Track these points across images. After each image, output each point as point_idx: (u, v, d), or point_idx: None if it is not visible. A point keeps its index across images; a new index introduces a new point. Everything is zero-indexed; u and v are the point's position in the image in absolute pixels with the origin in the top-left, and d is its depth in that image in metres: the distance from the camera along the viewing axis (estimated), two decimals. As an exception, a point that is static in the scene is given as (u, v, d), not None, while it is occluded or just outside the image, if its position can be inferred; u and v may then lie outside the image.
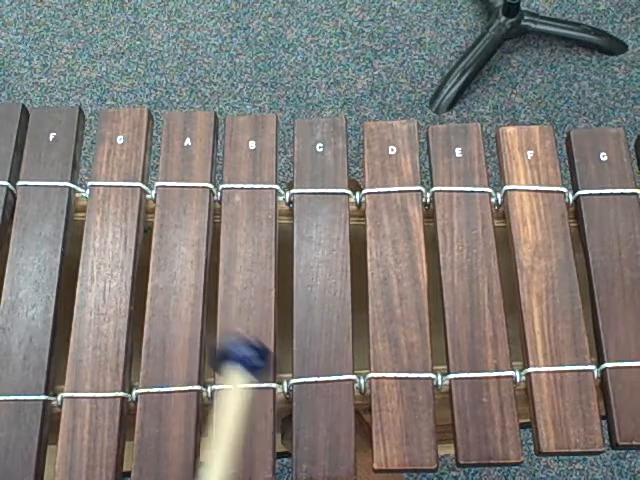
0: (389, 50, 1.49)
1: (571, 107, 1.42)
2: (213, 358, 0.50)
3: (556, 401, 0.56)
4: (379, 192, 0.64)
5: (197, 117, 0.68)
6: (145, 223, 0.65)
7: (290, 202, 0.65)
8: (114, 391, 0.57)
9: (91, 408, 0.56)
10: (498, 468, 1.16)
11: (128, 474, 0.56)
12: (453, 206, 0.63)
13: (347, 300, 0.60)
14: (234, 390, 0.48)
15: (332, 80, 1.47)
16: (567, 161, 0.67)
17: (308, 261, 0.61)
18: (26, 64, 1.50)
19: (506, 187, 0.64)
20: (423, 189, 0.64)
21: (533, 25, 1.45)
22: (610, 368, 0.57)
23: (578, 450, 0.55)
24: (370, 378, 0.57)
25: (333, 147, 0.66)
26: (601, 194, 0.64)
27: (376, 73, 1.47)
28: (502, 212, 0.65)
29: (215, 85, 1.47)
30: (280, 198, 0.65)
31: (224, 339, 0.57)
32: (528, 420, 0.57)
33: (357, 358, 0.58)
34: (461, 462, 0.55)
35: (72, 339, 0.59)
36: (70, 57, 1.51)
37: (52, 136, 0.66)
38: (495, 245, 0.62)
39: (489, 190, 0.64)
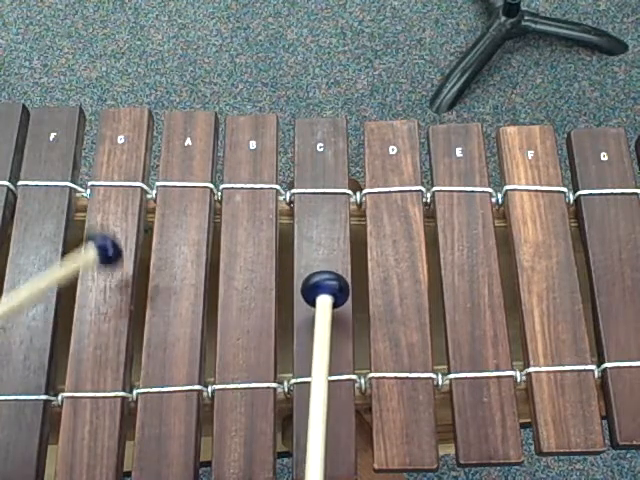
0: (389, 50, 1.49)
1: (571, 107, 1.42)
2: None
3: (556, 401, 0.56)
4: (379, 192, 0.64)
5: (197, 117, 0.68)
6: (145, 223, 0.65)
7: (290, 202, 0.65)
8: (114, 391, 0.57)
9: (92, 408, 0.56)
10: (498, 468, 1.16)
11: (129, 474, 0.56)
12: (454, 206, 0.63)
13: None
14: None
15: (332, 80, 1.47)
16: (567, 161, 0.67)
17: (308, 261, 0.61)
18: (26, 64, 1.50)
19: (506, 187, 0.64)
20: (424, 189, 0.64)
21: (533, 25, 1.45)
22: (610, 368, 0.57)
23: (579, 450, 0.55)
24: (370, 378, 0.57)
25: (333, 147, 0.66)
26: (601, 194, 0.64)
27: (376, 73, 1.47)
28: (502, 212, 0.65)
29: (215, 85, 1.47)
30: (280, 198, 0.65)
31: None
32: (528, 420, 0.57)
33: (357, 358, 0.58)
34: (462, 462, 0.55)
35: (72, 339, 0.59)
36: (70, 57, 1.51)
37: (53, 136, 0.66)
38: (495, 245, 0.62)
39: (489, 190, 0.64)
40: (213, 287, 0.61)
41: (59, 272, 0.56)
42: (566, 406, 0.56)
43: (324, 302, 0.56)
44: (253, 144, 0.66)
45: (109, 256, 0.58)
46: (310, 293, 0.57)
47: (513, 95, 1.44)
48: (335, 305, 0.56)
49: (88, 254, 0.57)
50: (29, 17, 1.55)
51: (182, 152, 0.66)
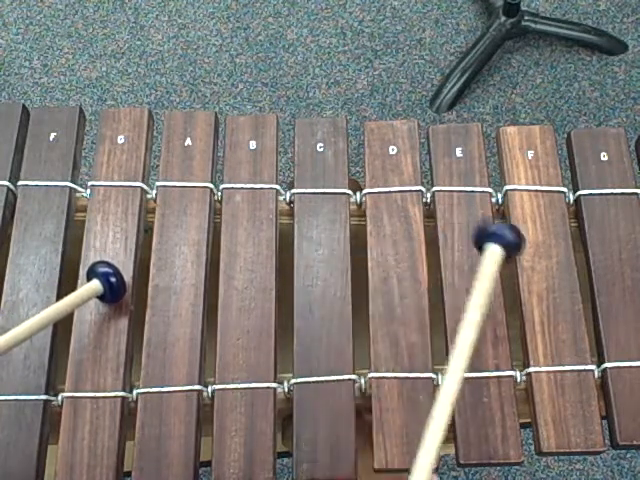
0: (389, 50, 1.49)
1: (571, 107, 1.42)
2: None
3: (556, 401, 0.56)
4: (379, 192, 0.64)
5: (197, 117, 0.68)
6: (145, 223, 0.65)
7: (290, 202, 0.65)
8: (114, 391, 0.57)
9: (92, 408, 0.56)
10: (498, 468, 1.16)
11: (129, 474, 0.56)
12: (454, 206, 0.63)
13: (347, 300, 0.60)
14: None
15: (332, 80, 1.47)
16: (567, 161, 0.67)
17: (308, 261, 0.61)
18: (26, 64, 1.50)
19: (506, 187, 0.64)
20: (424, 189, 0.64)
21: (533, 25, 1.45)
22: (610, 368, 0.57)
23: (579, 450, 0.55)
24: (370, 378, 0.57)
25: (333, 147, 0.66)
26: (601, 194, 0.64)
27: (376, 73, 1.47)
28: (502, 212, 0.65)
29: (215, 85, 1.47)
30: (280, 198, 0.65)
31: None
32: (528, 420, 0.57)
33: (357, 358, 0.58)
34: (462, 462, 0.55)
35: (72, 339, 0.59)
36: (70, 57, 1.51)
37: (53, 136, 0.66)
38: (495, 245, 0.62)
39: (489, 190, 0.64)
40: (213, 287, 0.61)
41: (61, 306, 0.56)
42: (566, 406, 0.56)
43: (494, 252, 0.55)
44: (253, 144, 0.66)
45: (115, 293, 0.58)
46: (483, 239, 0.56)
47: (513, 95, 1.44)
48: (505, 258, 0.55)
49: (92, 289, 0.57)
50: (29, 17, 1.55)
51: (182, 152, 0.66)
